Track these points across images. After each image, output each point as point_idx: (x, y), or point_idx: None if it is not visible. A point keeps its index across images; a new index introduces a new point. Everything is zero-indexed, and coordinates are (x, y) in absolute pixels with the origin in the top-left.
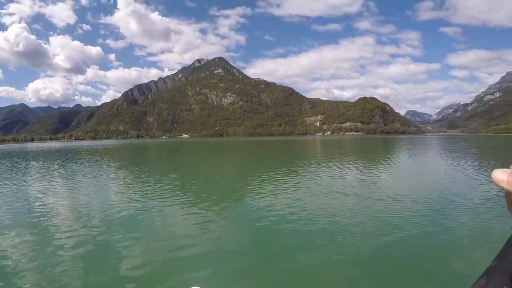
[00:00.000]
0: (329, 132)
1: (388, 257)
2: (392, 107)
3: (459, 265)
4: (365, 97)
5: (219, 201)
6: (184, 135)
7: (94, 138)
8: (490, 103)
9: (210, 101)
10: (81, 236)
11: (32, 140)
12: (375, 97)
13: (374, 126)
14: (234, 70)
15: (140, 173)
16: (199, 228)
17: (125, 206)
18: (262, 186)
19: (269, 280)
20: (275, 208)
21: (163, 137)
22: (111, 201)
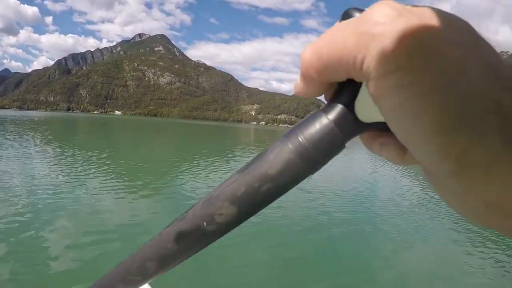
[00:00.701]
0: (263, 122)
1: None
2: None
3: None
4: None
5: (149, 184)
6: (117, 111)
7: (21, 108)
8: None
9: (146, 78)
10: None
11: None
12: None
13: None
14: (175, 50)
15: (66, 151)
16: (126, 213)
17: (48, 187)
18: (192, 172)
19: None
20: (202, 193)
21: (95, 112)
22: (32, 182)
